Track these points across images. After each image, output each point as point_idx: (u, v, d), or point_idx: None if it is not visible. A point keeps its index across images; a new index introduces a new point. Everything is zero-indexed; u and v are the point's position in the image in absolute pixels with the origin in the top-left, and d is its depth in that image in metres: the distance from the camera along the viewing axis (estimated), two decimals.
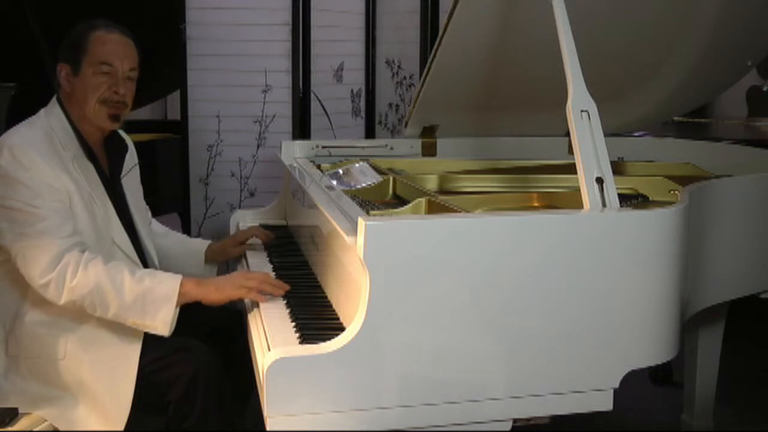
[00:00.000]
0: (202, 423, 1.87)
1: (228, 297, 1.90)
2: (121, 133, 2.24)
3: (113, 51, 2.03)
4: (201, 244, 2.36)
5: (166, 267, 2.20)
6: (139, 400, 1.90)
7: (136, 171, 2.28)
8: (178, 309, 1.88)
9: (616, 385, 1.62)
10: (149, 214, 2.34)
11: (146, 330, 1.89)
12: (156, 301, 1.86)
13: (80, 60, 2.01)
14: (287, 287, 1.92)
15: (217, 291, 1.90)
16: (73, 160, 1.99)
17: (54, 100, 2.06)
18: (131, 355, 1.92)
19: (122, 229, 2.07)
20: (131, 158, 2.24)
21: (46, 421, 1.92)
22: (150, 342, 1.94)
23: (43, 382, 1.94)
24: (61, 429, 1.90)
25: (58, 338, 1.94)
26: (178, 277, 1.89)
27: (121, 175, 2.17)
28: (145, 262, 2.17)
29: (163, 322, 1.86)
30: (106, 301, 1.86)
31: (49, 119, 2.03)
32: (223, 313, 2.30)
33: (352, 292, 1.63)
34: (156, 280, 1.88)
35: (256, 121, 3.33)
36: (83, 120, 2.04)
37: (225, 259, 2.38)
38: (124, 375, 1.90)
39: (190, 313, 2.26)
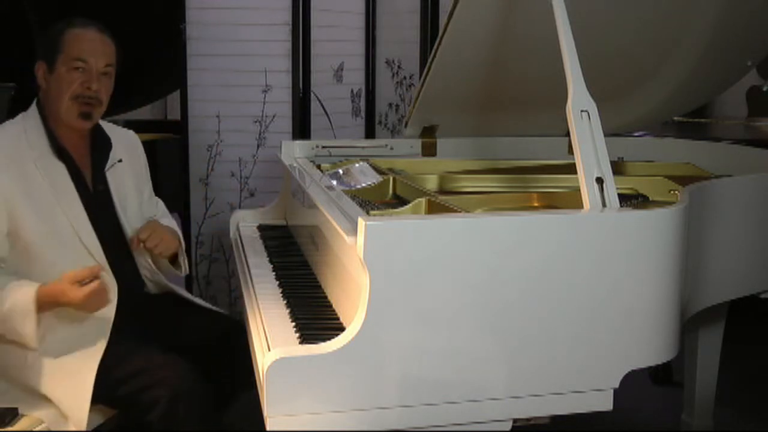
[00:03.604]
0: None
1: (74, 304, 1.90)
2: (118, 128, 2.23)
3: (88, 48, 2.03)
4: None
5: None
6: (121, 421, 1.91)
7: (130, 163, 2.25)
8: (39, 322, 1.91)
9: (616, 385, 1.62)
10: (157, 205, 2.34)
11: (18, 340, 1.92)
12: (17, 323, 1.89)
13: (55, 58, 2.02)
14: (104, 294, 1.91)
15: (70, 303, 1.89)
16: (36, 160, 1.99)
17: (35, 101, 2.08)
18: (93, 356, 1.93)
19: (91, 230, 2.04)
20: (121, 150, 2.21)
21: (44, 422, 1.92)
22: (130, 350, 1.95)
23: (24, 385, 1.95)
24: (53, 429, 1.91)
25: (23, 348, 1.95)
26: (32, 292, 1.89)
27: (106, 168, 2.15)
28: (130, 254, 2.17)
29: (29, 338, 1.91)
30: None
31: (26, 120, 2.05)
32: (219, 318, 2.30)
33: (352, 292, 1.63)
34: (13, 300, 1.88)
35: (256, 121, 3.33)
36: (57, 119, 2.04)
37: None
38: (83, 375, 1.90)
39: (185, 317, 2.26)
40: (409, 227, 1.52)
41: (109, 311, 1.99)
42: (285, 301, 1.90)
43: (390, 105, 3.76)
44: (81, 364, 1.92)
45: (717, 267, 2.04)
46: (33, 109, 2.07)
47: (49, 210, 1.99)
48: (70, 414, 1.88)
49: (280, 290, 1.99)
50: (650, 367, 1.73)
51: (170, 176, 3.36)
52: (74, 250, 2.01)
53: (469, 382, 1.54)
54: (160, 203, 2.40)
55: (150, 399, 1.87)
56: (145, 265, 2.22)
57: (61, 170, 2.04)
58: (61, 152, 2.04)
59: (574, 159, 1.75)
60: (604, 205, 1.69)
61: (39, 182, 1.98)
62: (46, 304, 1.90)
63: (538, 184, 2.42)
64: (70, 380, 1.90)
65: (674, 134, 3.51)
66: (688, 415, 2.84)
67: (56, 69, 2.02)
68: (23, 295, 1.89)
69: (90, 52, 2.03)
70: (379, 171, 2.48)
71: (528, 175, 2.47)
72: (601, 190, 1.70)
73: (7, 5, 3.52)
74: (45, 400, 1.93)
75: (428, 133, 2.77)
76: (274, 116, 3.32)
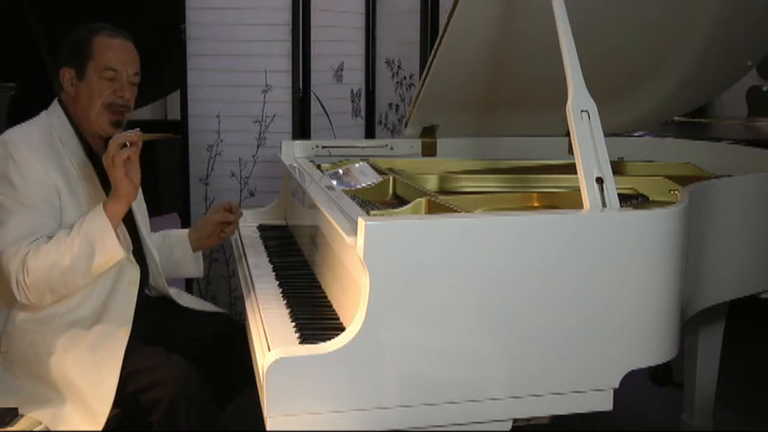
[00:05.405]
0: None
1: (125, 183, 1.87)
2: None
3: (118, 57, 2.05)
4: (183, 241, 2.36)
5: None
6: (122, 420, 1.90)
7: None
8: (119, 231, 1.92)
9: (616, 385, 1.62)
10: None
11: (109, 264, 1.90)
12: (96, 238, 1.87)
13: (85, 65, 2.03)
14: (135, 138, 1.87)
15: (124, 191, 1.88)
16: (71, 156, 2.01)
17: (55, 101, 2.09)
18: (117, 347, 1.93)
19: (123, 225, 2.06)
20: None
21: (43, 422, 1.92)
22: (131, 351, 1.95)
23: (34, 380, 1.96)
24: (51, 429, 1.90)
25: (46, 334, 1.96)
26: (99, 207, 1.90)
27: None
28: (145, 259, 2.17)
29: (113, 249, 1.88)
30: (63, 275, 1.87)
31: (50, 118, 2.06)
32: (219, 319, 2.30)
33: (352, 292, 1.63)
34: (84, 223, 1.89)
35: (256, 121, 3.33)
36: (86, 122, 2.06)
37: (206, 248, 2.42)
38: (108, 366, 1.91)
39: (184, 318, 2.25)
40: (409, 227, 1.52)
41: (130, 305, 2.02)
42: (285, 301, 1.90)
43: (390, 105, 3.76)
44: (106, 356, 1.93)
45: (717, 267, 2.04)
46: (57, 108, 2.07)
47: (87, 206, 2.00)
48: (93, 406, 1.87)
49: (280, 290, 1.99)
50: (650, 367, 1.73)
51: (170, 176, 3.37)
52: None
53: (469, 382, 1.54)
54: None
55: (152, 399, 1.88)
56: (151, 267, 2.23)
57: (91, 169, 2.06)
58: (90, 151, 2.07)
59: (574, 159, 1.75)
60: (604, 205, 1.69)
61: (76, 178, 2.00)
62: (113, 209, 1.89)
63: (538, 184, 2.42)
64: (97, 372, 1.91)
65: (674, 134, 3.51)
66: (688, 415, 2.84)
67: (87, 76, 2.03)
68: (91, 214, 1.89)
69: (121, 60, 2.05)
70: (379, 171, 2.48)
71: (528, 175, 2.48)
72: (601, 190, 1.70)
73: (7, 6, 3.52)
74: (50, 398, 1.93)
75: (428, 133, 2.77)
76: (274, 116, 3.33)
